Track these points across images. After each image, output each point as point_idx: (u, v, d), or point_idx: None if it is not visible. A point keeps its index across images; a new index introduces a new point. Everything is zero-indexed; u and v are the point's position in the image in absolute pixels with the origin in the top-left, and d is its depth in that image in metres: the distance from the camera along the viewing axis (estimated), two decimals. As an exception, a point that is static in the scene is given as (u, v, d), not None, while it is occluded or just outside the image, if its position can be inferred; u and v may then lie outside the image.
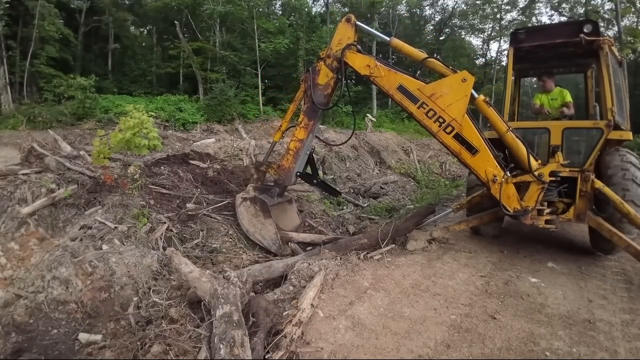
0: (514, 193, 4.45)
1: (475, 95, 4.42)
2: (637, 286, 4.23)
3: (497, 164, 4.42)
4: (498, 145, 4.63)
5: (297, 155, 5.26)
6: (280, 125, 5.58)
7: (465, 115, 4.39)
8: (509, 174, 4.42)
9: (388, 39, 4.91)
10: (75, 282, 3.57)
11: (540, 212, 4.59)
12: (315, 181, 5.73)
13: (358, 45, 4.95)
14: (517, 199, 4.46)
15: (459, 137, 4.44)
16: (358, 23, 4.97)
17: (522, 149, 4.44)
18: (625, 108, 5.55)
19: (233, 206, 5.73)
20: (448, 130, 4.44)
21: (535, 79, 7.46)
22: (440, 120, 4.45)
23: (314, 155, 5.81)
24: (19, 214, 4.42)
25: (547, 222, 4.64)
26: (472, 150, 4.44)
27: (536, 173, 4.37)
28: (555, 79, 6.20)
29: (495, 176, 4.40)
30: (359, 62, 4.84)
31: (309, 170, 5.70)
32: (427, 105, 4.48)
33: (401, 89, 4.60)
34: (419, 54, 4.76)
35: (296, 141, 5.23)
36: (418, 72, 4.82)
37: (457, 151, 4.49)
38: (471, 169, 4.58)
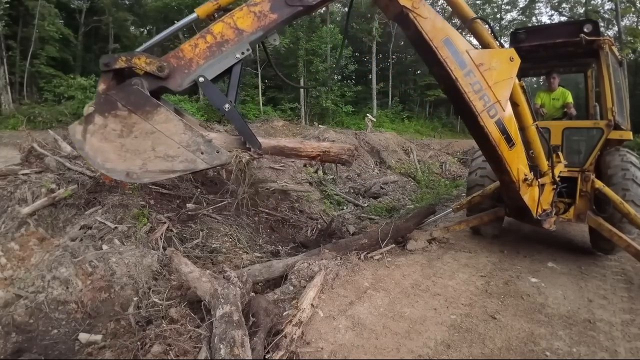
0: (538, 196, 4.23)
1: None
2: (637, 286, 4.24)
3: (527, 163, 4.09)
4: None
5: (216, 49, 2.91)
6: None
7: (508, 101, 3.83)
8: (537, 177, 4.14)
9: None
10: (75, 282, 3.56)
11: (548, 214, 4.55)
12: (226, 106, 3.03)
13: None
14: (539, 202, 4.28)
15: (500, 125, 3.75)
16: None
17: (539, 147, 4.26)
18: (625, 108, 5.55)
19: (233, 206, 5.72)
20: (492, 113, 3.68)
21: (535, 78, 7.45)
22: (485, 98, 3.62)
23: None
24: (19, 214, 4.41)
25: None
26: (510, 142, 3.85)
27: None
28: (560, 79, 6.20)
29: (526, 176, 4.02)
30: None
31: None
32: (474, 75, 3.55)
33: (448, 43, 3.47)
34: (470, 11, 3.83)
35: (228, 27, 2.90)
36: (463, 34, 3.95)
37: (496, 140, 3.77)
38: (505, 163, 3.96)
